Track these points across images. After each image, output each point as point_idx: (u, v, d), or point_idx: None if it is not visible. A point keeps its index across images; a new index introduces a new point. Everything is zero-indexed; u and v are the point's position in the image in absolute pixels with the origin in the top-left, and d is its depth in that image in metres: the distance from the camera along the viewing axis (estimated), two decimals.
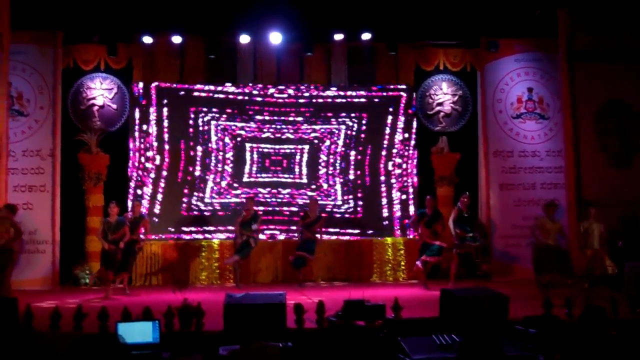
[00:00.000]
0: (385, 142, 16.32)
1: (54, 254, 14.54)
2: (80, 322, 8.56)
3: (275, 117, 16.18)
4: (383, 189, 16.29)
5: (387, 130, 16.35)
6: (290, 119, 16.21)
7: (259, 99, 16.18)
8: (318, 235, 14.82)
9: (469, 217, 14.10)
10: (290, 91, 16.25)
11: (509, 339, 6.81)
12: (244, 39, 15.42)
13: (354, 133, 16.29)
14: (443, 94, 16.63)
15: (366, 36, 15.61)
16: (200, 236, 15.73)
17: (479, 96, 16.33)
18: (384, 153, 16.30)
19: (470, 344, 4.34)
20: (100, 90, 15.84)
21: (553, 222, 13.19)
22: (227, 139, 16.07)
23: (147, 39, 15.39)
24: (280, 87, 16.21)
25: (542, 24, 15.24)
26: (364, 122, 16.33)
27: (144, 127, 15.84)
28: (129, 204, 15.00)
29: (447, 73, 16.64)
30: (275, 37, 15.27)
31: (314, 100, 16.29)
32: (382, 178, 16.28)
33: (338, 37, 15.63)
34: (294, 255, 14.63)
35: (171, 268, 15.32)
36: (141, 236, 14.26)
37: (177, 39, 15.41)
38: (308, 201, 15.47)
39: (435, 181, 16.14)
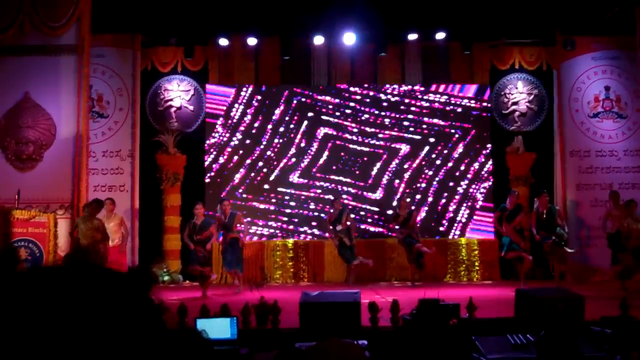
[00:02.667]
0: (459, 144, 16.28)
1: (133, 253, 14.85)
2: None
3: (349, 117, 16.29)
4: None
5: (460, 130, 16.30)
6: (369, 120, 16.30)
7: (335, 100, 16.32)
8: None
9: (547, 218, 13.84)
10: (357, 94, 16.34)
11: (586, 339, 6.76)
12: (318, 40, 15.53)
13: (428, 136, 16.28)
14: (518, 93, 16.45)
15: (440, 36, 15.56)
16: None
17: (555, 95, 16.11)
18: (457, 153, 16.26)
19: (547, 343, 4.35)
20: (178, 92, 16.15)
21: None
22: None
23: (223, 41, 15.63)
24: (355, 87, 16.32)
25: (619, 22, 14.95)
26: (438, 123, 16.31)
27: (220, 127, 16.14)
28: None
29: (523, 72, 16.46)
30: (349, 38, 15.33)
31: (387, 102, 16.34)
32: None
33: (412, 37, 15.61)
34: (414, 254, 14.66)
35: (247, 267, 15.50)
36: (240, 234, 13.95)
37: (252, 41, 15.59)
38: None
39: (510, 181, 15.96)
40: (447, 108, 16.31)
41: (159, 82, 16.14)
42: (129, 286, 1.12)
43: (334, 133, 16.21)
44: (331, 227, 14.74)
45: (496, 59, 16.39)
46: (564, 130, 15.82)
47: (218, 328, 7.35)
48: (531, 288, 11.22)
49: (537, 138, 16.21)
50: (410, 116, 16.25)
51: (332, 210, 14.89)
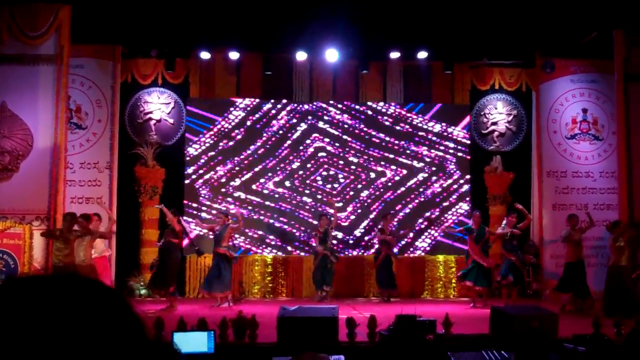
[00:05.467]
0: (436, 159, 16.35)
1: (110, 265, 14.68)
2: None
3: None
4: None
5: (441, 147, 16.38)
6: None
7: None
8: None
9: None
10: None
11: (559, 356, 6.81)
12: (301, 56, 15.54)
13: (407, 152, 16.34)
14: (498, 113, 16.63)
15: (422, 55, 15.64)
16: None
17: (534, 116, 16.27)
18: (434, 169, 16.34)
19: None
20: (158, 105, 16.08)
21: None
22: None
23: (205, 55, 15.59)
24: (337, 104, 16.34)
25: (598, 45, 15.10)
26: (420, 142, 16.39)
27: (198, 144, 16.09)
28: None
29: (503, 92, 16.63)
30: (332, 55, 15.36)
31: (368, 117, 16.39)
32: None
33: (394, 55, 15.68)
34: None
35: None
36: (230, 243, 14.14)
37: (234, 55, 15.56)
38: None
39: (487, 200, 16.09)
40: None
41: (139, 94, 16.07)
42: (113, 297, 1.11)
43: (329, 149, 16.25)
44: (319, 245, 14.69)
45: (477, 79, 16.53)
46: (542, 151, 15.94)
47: (195, 342, 7.30)
48: (507, 305, 11.33)
49: (515, 158, 16.37)
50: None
51: (315, 232, 14.84)
